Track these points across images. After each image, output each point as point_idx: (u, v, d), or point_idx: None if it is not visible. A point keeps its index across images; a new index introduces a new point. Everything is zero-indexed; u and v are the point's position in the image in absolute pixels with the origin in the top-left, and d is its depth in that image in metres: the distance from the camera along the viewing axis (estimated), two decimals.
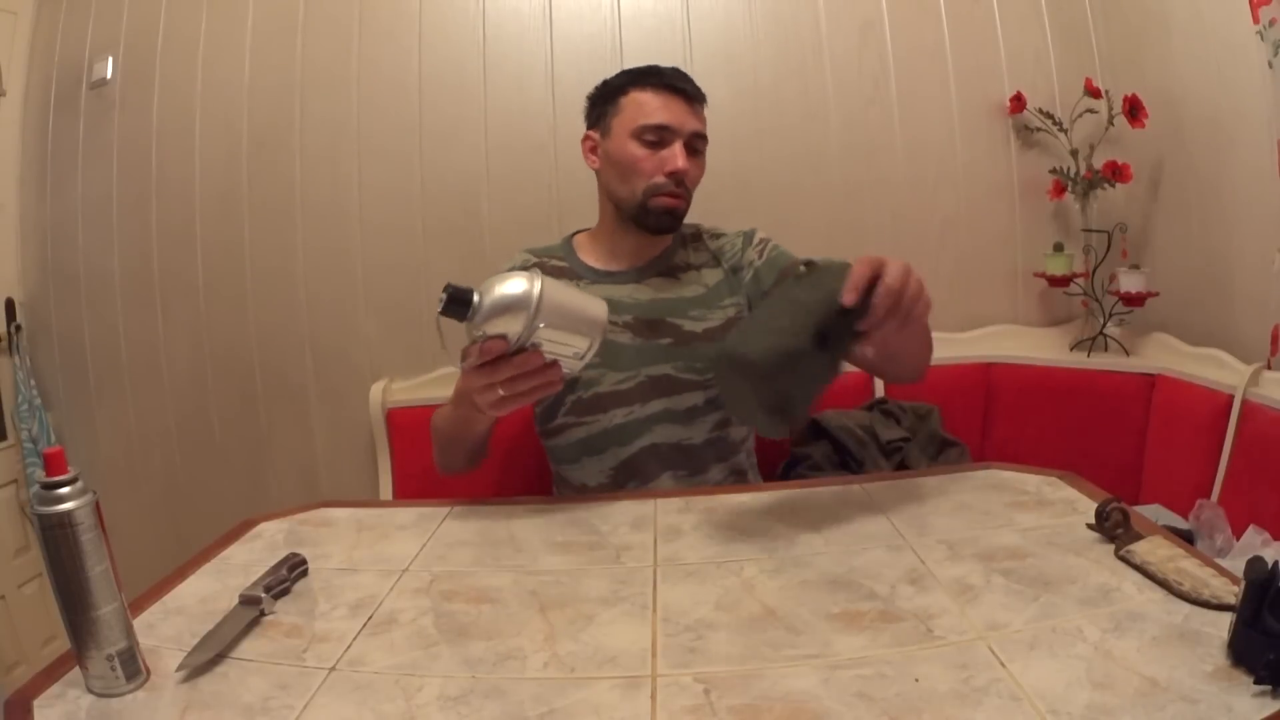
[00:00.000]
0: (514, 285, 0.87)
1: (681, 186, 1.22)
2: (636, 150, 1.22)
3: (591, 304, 0.94)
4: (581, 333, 0.92)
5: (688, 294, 1.28)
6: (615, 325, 1.26)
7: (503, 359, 0.89)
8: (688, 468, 1.22)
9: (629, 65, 1.78)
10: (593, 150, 1.29)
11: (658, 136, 1.21)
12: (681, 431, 1.22)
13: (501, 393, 0.91)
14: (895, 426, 1.51)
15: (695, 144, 1.24)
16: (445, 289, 0.85)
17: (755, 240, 1.33)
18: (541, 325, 0.87)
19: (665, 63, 1.26)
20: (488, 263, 1.73)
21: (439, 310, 0.86)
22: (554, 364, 0.91)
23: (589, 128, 1.30)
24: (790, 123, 1.80)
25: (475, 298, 0.86)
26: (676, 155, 1.20)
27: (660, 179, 1.21)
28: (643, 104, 1.22)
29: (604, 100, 1.27)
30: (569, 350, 0.91)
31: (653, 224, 1.24)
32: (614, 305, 1.23)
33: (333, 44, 1.81)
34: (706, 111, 1.27)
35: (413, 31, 1.80)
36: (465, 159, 1.80)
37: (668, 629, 0.70)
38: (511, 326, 0.86)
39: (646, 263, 1.29)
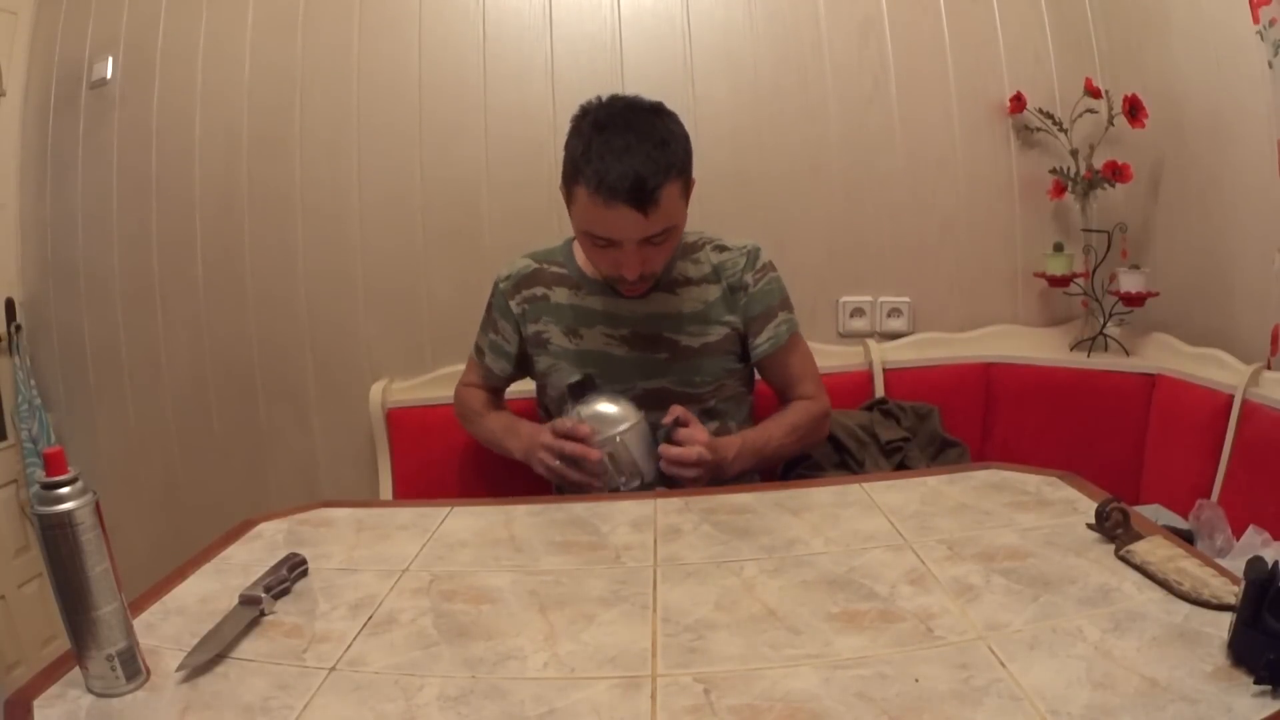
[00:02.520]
0: (624, 406, 1.16)
1: (641, 280, 1.19)
2: (587, 245, 1.19)
3: (651, 457, 1.16)
4: (636, 469, 1.15)
5: (686, 309, 1.27)
6: (613, 339, 1.27)
7: (576, 441, 1.11)
8: None
9: (629, 65, 1.77)
10: (566, 206, 1.20)
11: (606, 242, 1.15)
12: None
13: (555, 464, 1.13)
14: (895, 426, 1.51)
15: (655, 239, 1.14)
16: (582, 377, 1.19)
17: (758, 264, 1.31)
18: (618, 440, 1.12)
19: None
20: (488, 263, 1.72)
21: (568, 380, 1.19)
22: (599, 470, 1.12)
23: (564, 188, 1.19)
24: (790, 122, 1.80)
25: (596, 391, 1.17)
26: (626, 264, 1.15)
27: (614, 273, 1.19)
28: (586, 210, 1.12)
29: (567, 173, 1.15)
30: (619, 475, 1.14)
31: (623, 293, 1.26)
32: (612, 318, 1.26)
33: (333, 43, 1.81)
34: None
35: (413, 31, 1.80)
36: (465, 158, 1.80)
37: (668, 629, 0.70)
38: (602, 426, 1.13)
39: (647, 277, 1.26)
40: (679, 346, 1.26)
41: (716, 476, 1.16)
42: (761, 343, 1.31)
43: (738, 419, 1.33)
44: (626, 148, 1.08)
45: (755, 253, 1.32)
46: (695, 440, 1.14)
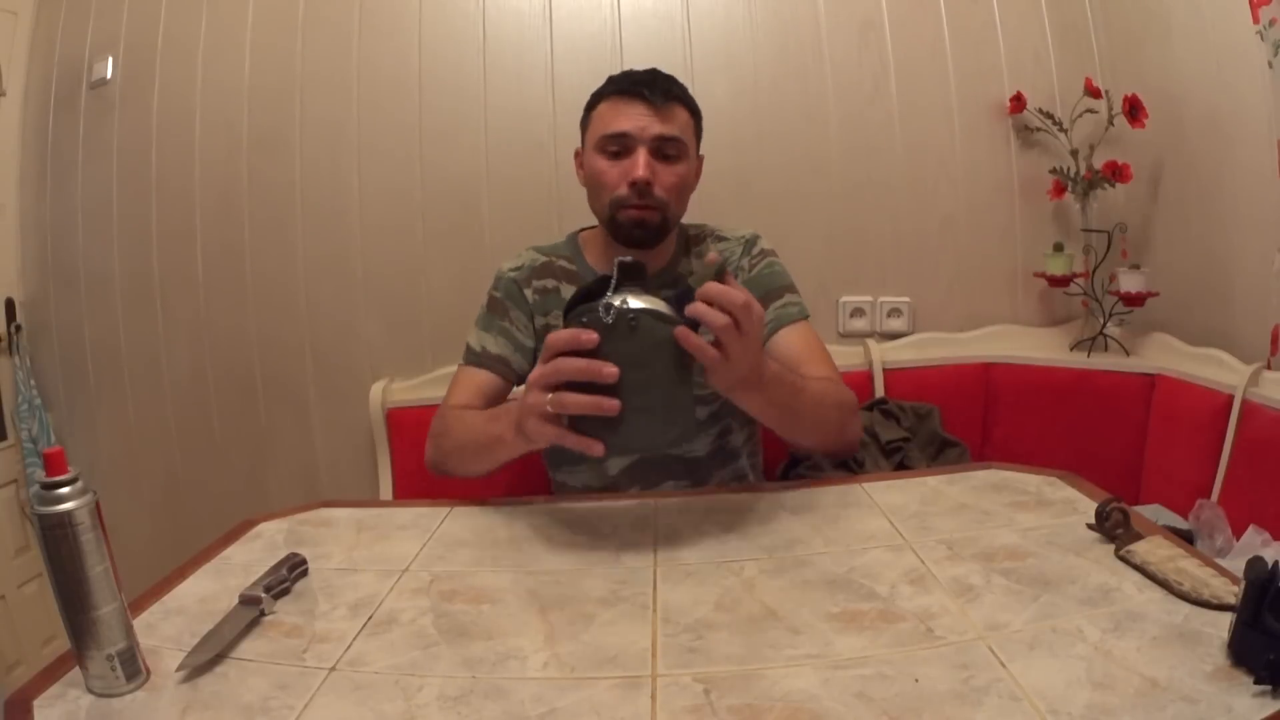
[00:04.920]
0: (663, 306, 0.83)
1: (649, 197, 1.14)
2: (601, 163, 1.17)
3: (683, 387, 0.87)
4: (669, 399, 0.85)
5: None
6: None
7: (580, 361, 0.81)
8: (690, 477, 1.22)
9: (629, 65, 1.77)
10: (580, 166, 1.25)
11: (619, 146, 1.15)
12: (684, 444, 1.17)
13: (548, 398, 0.83)
14: (895, 426, 1.51)
15: (665, 149, 1.15)
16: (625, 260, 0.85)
17: (755, 250, 1.28)
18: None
19: (665, 63, 1.23)
20: (488, 263, 1.73)
21: (619, 259, 0.84)
22: (610, 399, 0.80)
23: (581, 139, 1.26)
24: (790, 123, 1.80)
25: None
26: (637, 164, 1.13)
27: (623, 190, 1.14)
28: (604, 115, 1.18)
29: (585, 113, 1.23)
30: (641, 396, 0.81)
31: (623, 238, 1.17)
32: None
33: (333, 44, 1.81)
34: (704, 112, 1.24)
35: (413, 31, 1.80)
36: (465, 159, 1.80)
37: (668, 629, 0.70)
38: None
39: (653, 274, 1.16)
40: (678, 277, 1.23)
41: (745, 379, 0.89)
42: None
43: (739, 421, 1.32)
44: (648, 70, 1.20)
45: (752, 240, 1.29)
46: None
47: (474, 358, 1.22)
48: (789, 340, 1.19)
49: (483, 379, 1.20)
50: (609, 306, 0.81)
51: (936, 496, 0.97)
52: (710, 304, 0.82)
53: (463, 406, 1.17)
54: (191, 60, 1.85)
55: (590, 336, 0.80)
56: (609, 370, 0.79)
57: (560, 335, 0.82)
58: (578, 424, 0.82)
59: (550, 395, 0.83)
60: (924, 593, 0.73)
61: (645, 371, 0.80)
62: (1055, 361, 1.67)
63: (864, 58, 1.79)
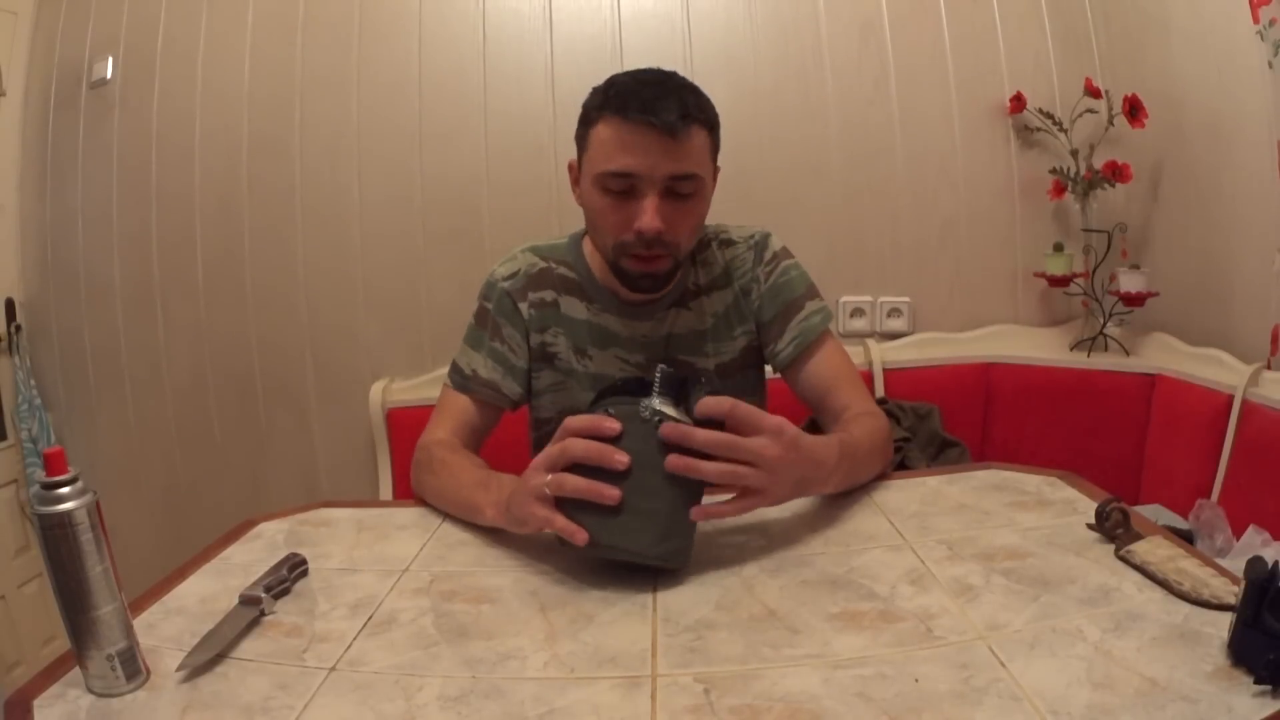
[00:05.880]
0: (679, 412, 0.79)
1: (659, 245, 0.98)
2: (600, 200, 0.99)
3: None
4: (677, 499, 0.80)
5: (699, 326, 1.13)
6: (627, 365, 1.12)
7: (593, 444, 0.76)
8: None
9: (629, 66, 1.78)
10: (576, 183, 1.07)
11: (624, 185, 0.97)
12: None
13: (547, 480, 0.77)
14: (895, 426, 1.51)
15: (678, 188, 0.97)
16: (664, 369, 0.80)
17: (767, 255, 1.14)
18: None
19: (665, 64, 1.08)
20: (488, 263, 1.72)
21: (662, 368, 0.80)
22: (611, 488, 0.75)
23: (577, 153, 1.06)
24: (790, 124, 1.80)
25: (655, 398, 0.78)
26: (645, 211, 0.96)
27: (628, 237, 0.98)
28: (605, 143, 0.97)
29: (582, 125, 1.03)
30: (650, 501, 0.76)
31: (629, 285, 1.04)
32: (626, 344, 1.12)
33: (333, 46, 1.81)
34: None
35: (413, 33, 1.81)
36: (465, 161, 1.80)
37: (668, 629, 0.70)
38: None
39: (661, 296, 1.11)
40: (694, 369, 1.13)
41: (804, 486, 0.85)
42: (784, 347, 1.10)
43: None
44: (658, 81, 0.98)
45: (763, 242, 1.14)
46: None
47: (462, 382, 1.12)
48: (815, 365, 1.10)
49: (470, 407, 1.11)
50: (649, 408, 0.77)
51: (936, 496, 0.97)
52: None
53: (449, 438, 1.09)
54: (191, 62, 1.85)
55: (612, 426, 0.76)
56: (620, 458, 0.74)
57: (579, 420, 0.78)
58: (570, 511, 0.76)
59: (550, 476, 0.77)
60: (924, 593, 0.73)
61: (658, 477, 0.76)
62: (1055, 361, 1.67)
63: (864, 59, 1.79)
